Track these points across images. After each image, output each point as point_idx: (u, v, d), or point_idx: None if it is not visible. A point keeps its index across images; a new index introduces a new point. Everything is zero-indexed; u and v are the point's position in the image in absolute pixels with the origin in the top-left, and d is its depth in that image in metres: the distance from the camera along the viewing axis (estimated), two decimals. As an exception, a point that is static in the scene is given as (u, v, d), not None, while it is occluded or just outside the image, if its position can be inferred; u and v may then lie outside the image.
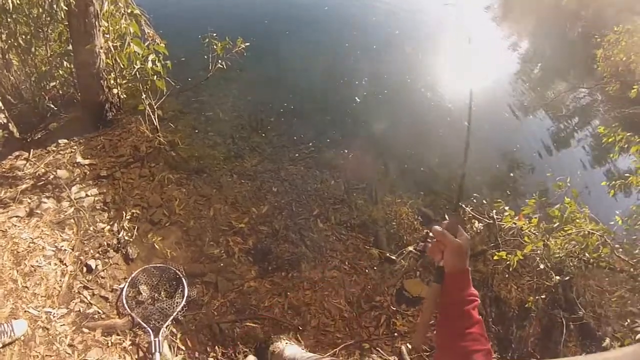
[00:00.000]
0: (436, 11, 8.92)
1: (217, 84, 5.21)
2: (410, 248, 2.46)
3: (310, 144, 4.67)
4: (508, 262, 3.41)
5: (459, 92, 6.12)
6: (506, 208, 3.85)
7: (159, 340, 2.83)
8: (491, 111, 6.01)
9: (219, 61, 5.07)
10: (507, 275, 3.75)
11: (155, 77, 3.91)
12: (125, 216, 3.61)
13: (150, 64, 3.82)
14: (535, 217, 3.60)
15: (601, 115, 6.87)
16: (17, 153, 4.14)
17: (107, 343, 2.91)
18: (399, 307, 3.39)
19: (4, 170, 3.99)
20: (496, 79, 6.90)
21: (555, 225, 3.50)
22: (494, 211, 4.14)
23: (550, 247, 3.43)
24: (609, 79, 7.47)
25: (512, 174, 4.94)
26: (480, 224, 4.11)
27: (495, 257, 3.48)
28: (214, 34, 5.01)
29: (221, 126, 4.68)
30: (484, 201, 4.38)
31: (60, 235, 3.47)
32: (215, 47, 4.96)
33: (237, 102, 5.07)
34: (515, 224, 3.71)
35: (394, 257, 3.19)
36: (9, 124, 4.05)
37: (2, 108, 3.98)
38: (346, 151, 4.70)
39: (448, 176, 4.66)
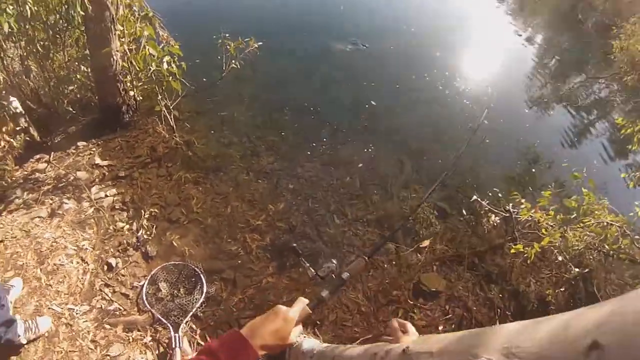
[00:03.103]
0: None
1: (232, 84, 5.26)
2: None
3: (326, 142, 4.70)
4: (526, 255, 3.37)
5: (475, 88, 6.08)
6: (522, 201, 3.80)
7: (179, 336, 2.87)
8: (508, 106, 5.97)
9: (233, 61, 5.12)
10: (525, 269, 3.71)
11: (170, 78, 3.96)
12: (144, 215, 3.66)
13: (165, 66, 3.88)
14: (552, 210, 3.56)
15: (619, 107, 6.76)
16: (38, 156, 4.24)
17: (129, 339, 2.96)
18: (417, 301, 3.38)
19: (26, 173, 4.09)
20: (513, 74, 6.84)
21: (572, 216, 3.47)
22: (511, 204, 4.09)
23: (568, 239, 3.39)
24: (627, 70, 7.36)
25: (529, 169, 4.89)
26: (497, 217, 4.08)
27: (512, 250, 3.45)
28: (227, 35, 5.06)
29: (236, 125, 4.72)
30: (500, 195, 4.35)
31: (82, 235, 3.54)
32: (228, 47, 5.02)
33: (252, 102, 5.12)
34: (532, 216, 3.67)
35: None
36: (30, 128, 4.15)
37: (23, 112, 4.07)
38: (361, 148, 4.71)
39: (463, 171, 4.63)
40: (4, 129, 3.95)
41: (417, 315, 3.28)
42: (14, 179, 4.00)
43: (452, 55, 6.89)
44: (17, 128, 4.07)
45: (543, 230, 3.48)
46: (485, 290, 3.52)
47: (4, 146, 3.97)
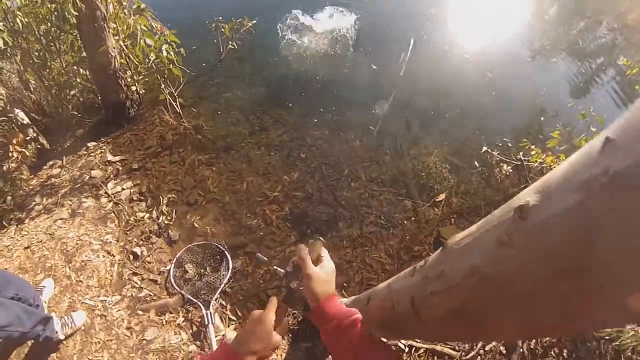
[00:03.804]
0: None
1: (231, 65, 5.19)
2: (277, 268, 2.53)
3: (332, 109, 4.61)
4: None
5: (476, 42, 5.91)
6: (532, 147, 3.70)
7: (210, 313, 2.89)
8: (512, 57, 5.77)
9: (230, 42, 5.06)
10: None
11: (170, 65, 3.92)
12: (163, 202, 3.65)
13: (165, 53, 3.84)
14: (562, 153, 3.51)
15: (622, 47, 6.50)
16: (51, 162, 4.26)
17: (162, 322, 2.97)
18: None
19: (42, 180, 4.11)
20: (513, 25, 6.61)
21: None
22: (521, 153, 4.00)
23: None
24: (628, 8, 7.09)
25: (536, 117, 4.73)
26: (509, 167, 3.98)
27: None
28: (220, 18, 5.00)
29: (241, 104, 4.66)
30: (510, 144, 4.24)
31: (104, 229, 3.55)
32: (223, 30, 4.96)
33: (253, 79, 5.05)
34: (543, 160, 3.61)
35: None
36: (39, 137, 4.16)
37: (30, 123, 4.08)
38: (368, 110, 4.62)
39: (471, 124, 4.53)
40: (14, 141, 3.97)
41: None
42: (31, 187, 4.03)
43: (449, 15, 6.65)
44: (27, 138, 4.08)
45: None
46: None
47: (17, 157, 3.99)
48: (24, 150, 4.03)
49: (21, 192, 3.95)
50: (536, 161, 3.68)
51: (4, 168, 3.92)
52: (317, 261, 1.14)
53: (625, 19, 6.98)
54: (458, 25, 6.33)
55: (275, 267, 1.40)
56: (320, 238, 1.18)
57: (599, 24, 7.08)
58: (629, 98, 5.23)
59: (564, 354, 2.71)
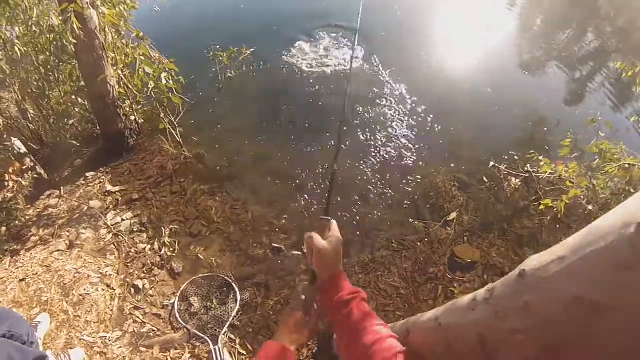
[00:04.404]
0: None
1: (231, 93, 5.14)
2: (294, 252, 2.52)
3: (335, 133, 4.55)
4: (555, 211, 3.24)
5: (471, 60, 6.01)
6: (541, 158, 3.72)
7: (218, 348, 2.75)
8: (506, 72, 5.87)
9: (228, 71, 5.05)
10: (555, 227, 3.57)
11: (170, 94, 3.87)
12: (165, 233, 3.52)
13: (164, 81, 3.80)
14: (573, 162, 3.51)
15: (615, 51, 6.65)
16: (48, 192, 4.13)
17: (167, 359, 2.81)
18: (454, 275, 3.26)
19: (39, 210, 3.97)
20: (503, 40, 6.75)
21: (596, 162, 3.38)
22: (528, 165, 4.02)
23: (594, 187, 3.27)
24: (614, 14, 7.29)
25: (539, 129, 4.78)
26: (518, 180, 3.97)
27: (542, 207, 3.34)
28: (218, 47, 5.01)
29: (242, 132, 4.60)
30: (516, 157, 4.25)
31: (104, 262, 3.40)
32: (221, 58, 4.96)
33: (254, 106, 5.00)
34: (554, 171, 3.62)
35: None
36: (36, 167, 4.05)
37: (27, 152, 3.98)
38: (372, 132, 4.60)
39: (476, 140, 4.55)
40: (10, 170, 3.86)
41: (457, 289, 3.14)
42: (27, 217, 3.89)
43: (444, 35, 6.77)
44: (24, 167, 3.97)
45: (567, 183, 3.37)
46: (519, 254, 3.38)
47: (13, 186, 3.87)
48: (20, 179, 3.91)
49: (17, 222, 3.81)
50: (546, 172, 3.68)
51: (0, 197, 3.79)
52: (326, 237, 1.18)
53: (616, 23, 7.15)
54: (452, 45, 6.43)
55: (292, 252, 1.46)
56: (329, 218, 1.22)
57: (589, 30, 7.24)
58: (626, 100, 5.40)
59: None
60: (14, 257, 3.57)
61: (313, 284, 1.19)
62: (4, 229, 3.72)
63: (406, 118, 4.81)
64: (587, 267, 0.65)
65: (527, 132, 4.74)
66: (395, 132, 4.63)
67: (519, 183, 3.95)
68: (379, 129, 4.65)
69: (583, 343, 0.67)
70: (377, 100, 5.10)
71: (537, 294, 0.76)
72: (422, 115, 4.85)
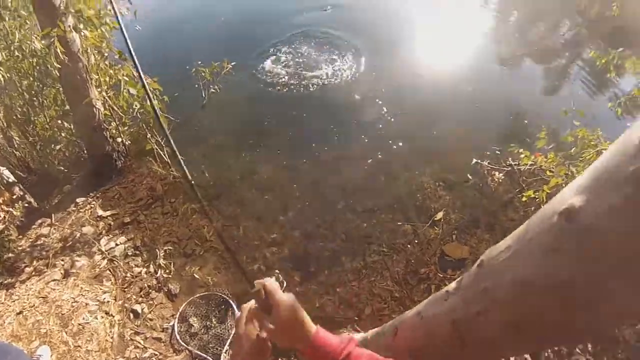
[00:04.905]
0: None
1: (215, 108, 5.13)
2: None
3: (319, 144, 4.57)
4: (538, 201, 3.32)
5: (449, 60, 6.06)
6: (521, 150, 3.82)
7: None
8: (485, 69, 5.92)
9: (211, 86, 5.06)
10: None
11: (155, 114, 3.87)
12: (159, 255, 3.52)
13: (148, 102, 3.80)
14: (552, 152, 3.63)
15: (588, 40, 6.75)
16: (40, 221, 4.10)
17: None
18: (445, 274, 3.31)
19: (31, 240, 3.95)
20: (479, 36, 6.81)
21: (572, 151, 3.51)
22: (510, 159, 4.11)
23: (573, 174, 3.34)
24: (588, 3, 7.40)
25: (519, 122, 4.86)
26: (501, 174, 4.05)
27: (524, 198, 3.43)
28: (200, 62, 5.02)
29: (229, 147, 4.59)
30: (498, 152, 4.31)
31: (100, 288, 3.40)
32: (203, 74, 4.97)
33: (239, 120, 5.00)
34: (533, 162, 3.73)
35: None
36: (26, 195, 4.01)
37: (16, 181, 3.96)
38: (355, 141, 4.62)
39: (458, 138, 4.59)
40: (0, 200, 3.85)
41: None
42: (20, 248, 3.86)
43: (420, 40, 6.79)
44: (14, 197, 3.94)
45: (547, 172, 3.47)
46: None
47: (4, 217, 3.85)
48: (11, 209, 3.88)
49: (10, 254, 3.78)
50: (526, 164, 3.79)
51: (-10, 233, 3.78)
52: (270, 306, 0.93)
53: (588, 14, 7.25)
54: (430, 45, 6.49)
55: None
56: (261, 281, 0.95)
57: (563, 22, 7.32)
58: (602, 87, 5.47)
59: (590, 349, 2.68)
60: (9, 290, 3.55)
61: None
62: None
63: (387, 121, 4.84)
64: (525, 252, 0.76)
65: (507, 127, 4.81)
66: (378, 135, 4.66)
67: (502, 177, 4.03)
68: (360, 134, 4.67)
69: (533, 319, 0.77)
70: (357, 105, 5.14)
71: (491, 279, 0.87)
72: (404, 117, 4.88)
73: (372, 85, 5.39)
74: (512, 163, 4.07)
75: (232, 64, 5.16)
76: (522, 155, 3.75)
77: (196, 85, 5.11)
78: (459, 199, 3.89)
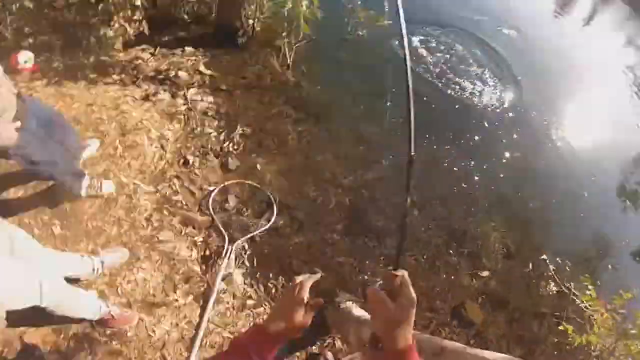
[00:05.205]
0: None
1: (352, 49, 5.10)
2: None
3: (437, 143, 4.33)
4: (568, 340, 3.00)
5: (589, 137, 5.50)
6: (590, 287, 3.22)
7: (231, 249, 2.83)
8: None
9: (360, 28, 5.01)
10: (558, 349, 3.25)
11: (302, 19, 3.94)
12: (237, 130, 3.62)
13: (304, 8, 3.87)
14: (615, 314, 3.09)
15: None
16: (144, 46, 4.29)
17: (181, 231, 2.93)
18: (451, 322, 3.16)
19: (129, 57, 4.15)
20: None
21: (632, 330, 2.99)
22: (572, 283, 3.65)
23: (613, 350, 2.98)
24: None
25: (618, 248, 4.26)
26: (555, 287, 3.67)
27: (561, 327, 3.06)
28: (359, 2, 5.10)
29: (349, 86, 4.61)
30: (568, 264, 3.87)
31: (168, 125, 3.58)
32: (357, 15, 4.92)
33: (366, 70, 4.90)
34: (589, 306, 3.22)
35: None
36: (143, 22, 4.13)
37: (140, 6, 4.04)
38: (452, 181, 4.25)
39: (546, 222, 4.17)
40: (121, 14, 3.94)
41: (445, 333, 3.06)
42: (118, 58, 4.05)
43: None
44: (133, 17, 4.04)
45: (595, 328, 3.03)
46: (511, 348, 3.17)
47: (118, 27, 3.95)
48: (126, 25, 3.98)
49: (107, 58, 3.97)
50: (583, 302, 3.29)
51: (102, 32, 3.86)
52: (395, 296, 0.93)
53: None
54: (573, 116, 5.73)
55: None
56: (400, 270, 0.94)
57: None
58: None
59: None
60: (91, 84, 3.75)
61: (374, 348, 0.95)
62: (92, 57, 3.87)
63: (489, 168, 4.48)
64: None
65: (602, 242, 4.23)
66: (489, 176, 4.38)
67: (555, 290, 3.68)
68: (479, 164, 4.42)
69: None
70: (492, 136, 4.84)
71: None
72: (513, 175, 4.50)
73: (517, 126, 5.03)
74: (572, 290, 3.57)
75: (388, 22, 4.99)
76: (588, 292, 3.17)
77: (345, 19, 5.04)
78: (506, 273, 3.60)
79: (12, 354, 2.19)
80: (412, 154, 1.05)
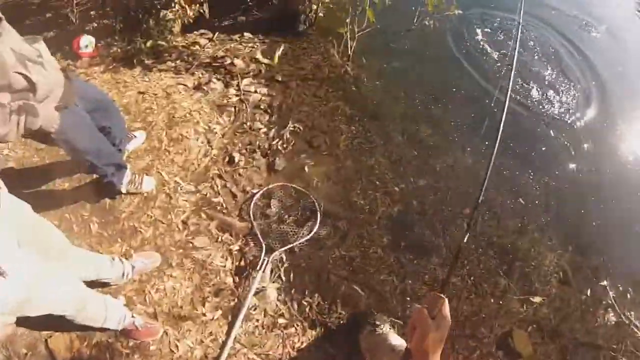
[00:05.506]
0: None
1: (419, 39, 4.73)
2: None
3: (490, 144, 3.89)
4: None
5: None
6: None
7: (267, 260, 2.63)
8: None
9: (427, 18, 4.58)
10: None
11: (368, 5, 3.66)
12: (288, 127, 3.42)
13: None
14: None
15: None
16: (203, 31, 4.24)
17: (218, 238, 2.77)
18: (497, 352, 2.79)
19: (187, 42, 4.12)
20: None
21: None
22: (632, 313, 3.22)
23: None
24: None
25: None
26: (613, 316, 3.18)
27: None
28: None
29: (408, 83, 4.23)
30: (630, 293, 3.39)
31: (217, 118, 3.45)
32: (426, 2, 4.51)
33: (429, 65, 4.53)
34: None
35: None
36: (204, 5, 4.01)
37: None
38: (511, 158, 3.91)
39: (610, 248, 3.57)
40: (183, -5, 3.86)
41: None
42: (175, 43, 4.00)
43: None
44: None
45: None
46: None
47: (178, 10, 3.87)
48: (186, 7, 3.88)
49: (163, 43, 3.93)
50: None
51: (161, 14, 3.79)
52: (434, 317, 1.02)
53: None
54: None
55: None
56: (442, 295, 1.03)
57: None
58: None
59: None
60: (145, 70, 3.73)
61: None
62: (150, 42, 3.85)
63: (551, 181, 3.92)
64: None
65: None
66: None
67: (613, 321, 3.19)
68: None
69: None
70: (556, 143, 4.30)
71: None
72: (576, 191, 3.92)
73: (587, 136, 4.46)
74: (633, 320, 3.17)
75: (458, 12, 4.55)
76: None
77: (412, 7, 4.63)
78: (560, 300, 3.15)
79: (37, 357, 2.18)
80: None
